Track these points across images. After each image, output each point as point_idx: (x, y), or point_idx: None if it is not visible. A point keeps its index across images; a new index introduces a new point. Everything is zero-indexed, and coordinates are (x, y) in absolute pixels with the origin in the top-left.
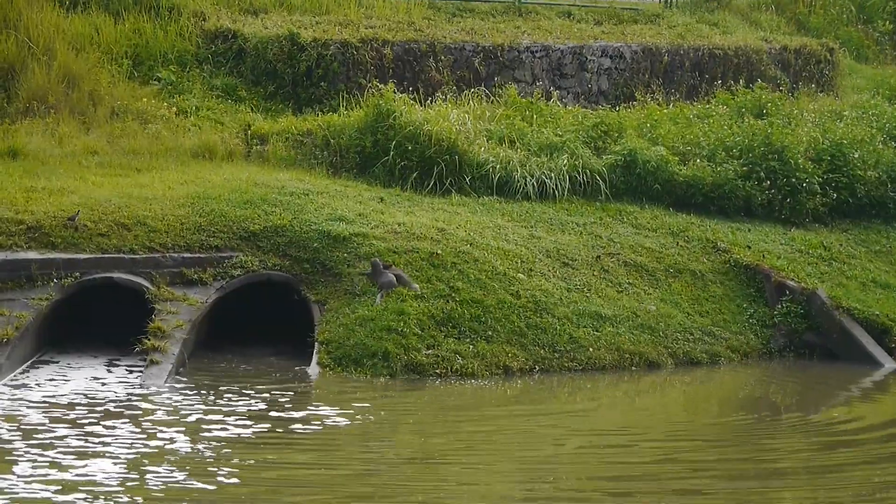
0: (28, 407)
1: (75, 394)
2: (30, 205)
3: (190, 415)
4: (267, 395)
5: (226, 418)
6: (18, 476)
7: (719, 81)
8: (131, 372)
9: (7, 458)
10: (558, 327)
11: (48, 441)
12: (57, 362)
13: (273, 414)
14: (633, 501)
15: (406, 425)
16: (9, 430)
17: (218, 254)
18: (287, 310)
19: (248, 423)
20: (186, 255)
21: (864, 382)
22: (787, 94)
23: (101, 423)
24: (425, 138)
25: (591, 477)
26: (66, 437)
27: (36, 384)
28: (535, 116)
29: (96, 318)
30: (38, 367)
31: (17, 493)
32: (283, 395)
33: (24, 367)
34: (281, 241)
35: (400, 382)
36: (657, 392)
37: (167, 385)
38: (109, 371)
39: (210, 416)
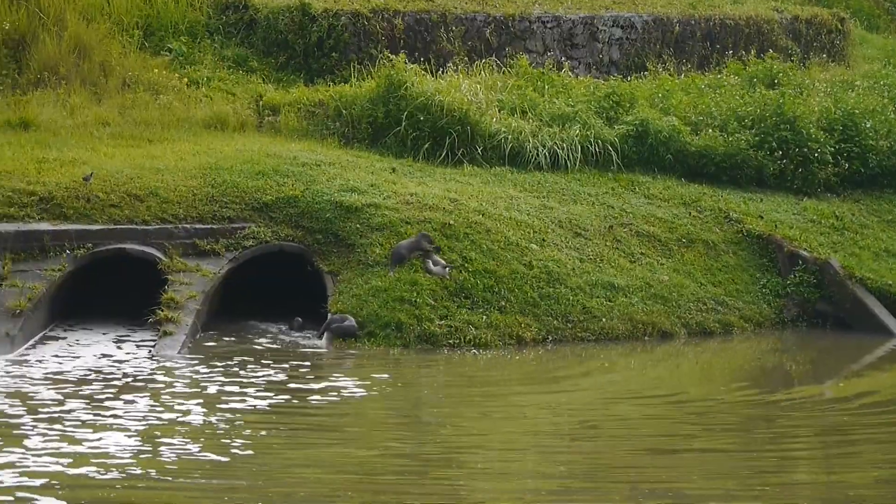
0: (39, 381)
1: (87, 366)
2: (42, 176)
3: (205, 385)
4: (280, 366)
5: (241, 389)
6: (29, 449)
7: (731, 52)
8: (143, 344)
9: (15, 432)
10: (571, 298)
11: (59, 414)
12: (65, 338)
13: (288, 385)
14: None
15: (424, 396)
16: (20, 405)
17: (230, 225)
18: (300, 281)
19: (264, 393)
20: (199, 226)
21: (876, 352)
22: (799, 64)
23: (115, 395)
24: (437, 109)
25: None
26: (78, 410)
27: (47, 357)
28: (546, 87)
29: (106, 291)
30: (48, 341)
31: (28, 467)
32: (297, 366)
33: (36, 338)
34: (293, 212)
35: (413, 353)
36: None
37: (180, 355)
38: (121, 344)
39: (226, 387)
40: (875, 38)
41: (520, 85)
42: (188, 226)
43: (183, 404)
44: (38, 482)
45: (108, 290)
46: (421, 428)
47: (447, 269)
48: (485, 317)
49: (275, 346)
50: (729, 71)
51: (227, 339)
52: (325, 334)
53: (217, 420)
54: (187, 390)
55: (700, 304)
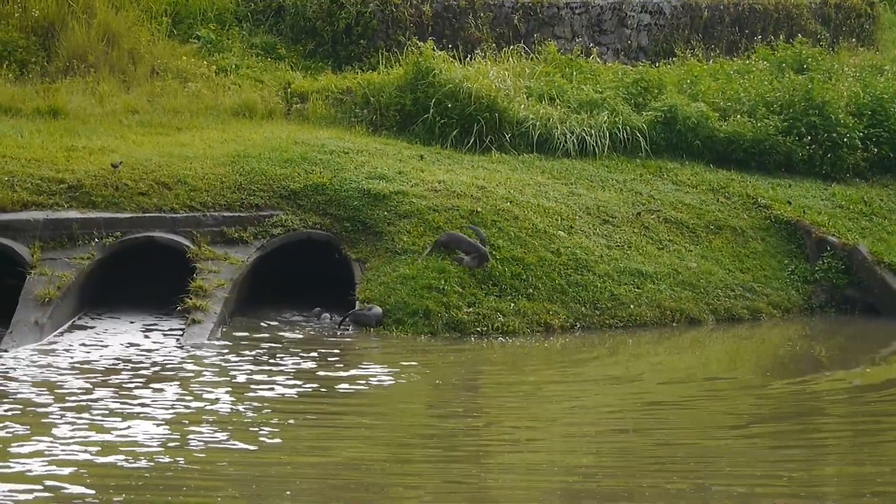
0: (67, 369)
1: (115, 355)
2: (71, 164)
3: (234, 374)
4: (309, 354)
5: (270, 377)
6: (57, 438)
7: (759, 37)
8: (171, 332)
9: (44, 420)
10: (599, 284)
11: (88, 403)
12: (94, 326)
13: (317, 373)
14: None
15: (452, 384)
16: (48, 393)
17: (258, 212)
18: (327, 268)
19: (293, 382)
20: (227, 213)
21: None
22: (828, 48)
23: (143, 383)
24: (465, 96)
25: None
26: (106, 398)
27: (75, 346)
28: (574, 73)
29: (134, 279)
30: (77, 329)
31: (56, 456)
32: (325, 354)
33: (64, 327)
34: (321, 200)
35: (441, 341)
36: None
37: (209, 343)
38: (149, 332)
39: (254, 376)
40: None
41: (548, 71)
42: (216, 214)
43: (211, 393)
44: (66, 471)
45: (137, 278)
46: (450, 417)
47: (476, 260)
48: (512, 304)
49: (303, 334)
50: (758, 56)
51: (255, 327)
52: (351, 323)
53: (245, 408)
54: (215, 379)
55: (728, 290)
